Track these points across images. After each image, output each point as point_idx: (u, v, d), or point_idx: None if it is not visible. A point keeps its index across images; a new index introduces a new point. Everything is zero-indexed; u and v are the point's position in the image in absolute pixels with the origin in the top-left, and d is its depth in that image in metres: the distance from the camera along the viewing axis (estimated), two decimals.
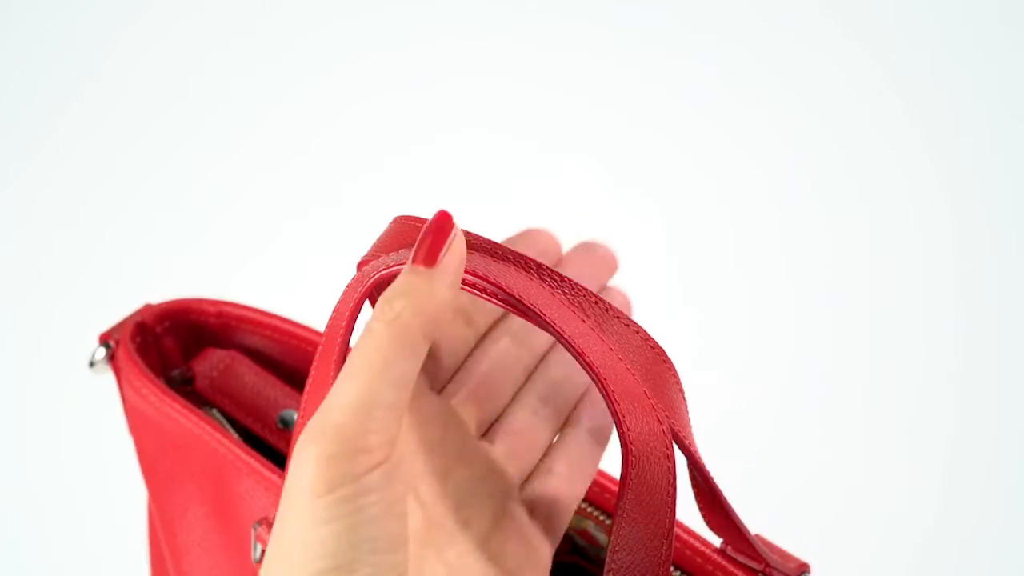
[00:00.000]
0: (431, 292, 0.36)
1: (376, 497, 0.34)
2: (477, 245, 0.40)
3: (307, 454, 0.34)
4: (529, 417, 0.45)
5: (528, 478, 0.45)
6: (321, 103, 1.16)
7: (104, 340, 0.56)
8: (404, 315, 0.35)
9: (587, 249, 0.52)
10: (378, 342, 0.35)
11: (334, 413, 0.35)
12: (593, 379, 0.37)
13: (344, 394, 0.35)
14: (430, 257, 0.36)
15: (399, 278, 0.37)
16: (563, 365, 0.47)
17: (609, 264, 0.52)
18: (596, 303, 0.40)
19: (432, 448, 0.43)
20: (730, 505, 0.42)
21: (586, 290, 0.40)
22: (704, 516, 0.45)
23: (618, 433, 0.37)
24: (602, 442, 0.46)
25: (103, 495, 0.88)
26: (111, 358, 0.56)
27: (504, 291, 0.38)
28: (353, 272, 0.42)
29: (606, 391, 0.37)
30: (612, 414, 0.37)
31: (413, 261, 0.36)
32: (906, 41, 1.16)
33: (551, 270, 0.40)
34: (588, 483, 0.45)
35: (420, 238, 0.37)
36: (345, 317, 0.41)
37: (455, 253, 0.37)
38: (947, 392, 0.93)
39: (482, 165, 1.05)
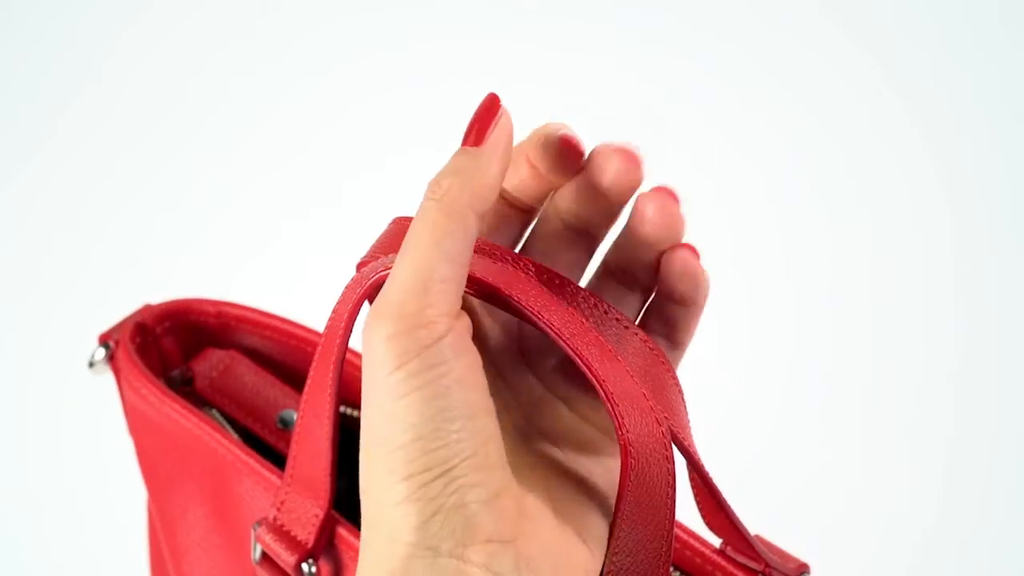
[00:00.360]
0: (478, 169, 0.37)
1: (445, 368, 0.36)
2: (476, 247, 0.40)
3: (372, 336, 0.36)
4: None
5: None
6: (321, 103, 1.16)
7: (104, 340, 0.56)
8: (452, 191, 0.37)
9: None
10: (429, 220, 0.37)
11: (392, 292, 0.36)
12: (592, 380, 0.37)
13: (400, 273, 0.36)
14: (478, 137, 0.37)
15: (450, 159, 0.38)
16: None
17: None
18: (596, 305, 0.40)
19: (503, 321, 0.44)
20: (729, 506, 0.42)
21: (585, 291, 0.40)
22: (704, 516, 0.45)
23: (617, 435, 0.37)
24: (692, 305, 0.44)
25: (103, 495, 0.88)
26: (111, 358, 0.56)
27: (503, 293, 0.38)
28: (353, 272, 0.42)
29: (605, 392, 0.37)
30: (611, 416, 0.37)
31: (463, 143, 0.37)
32: (906, 41, 1.15)
33: (550, 270, 0.40)
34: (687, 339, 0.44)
35: (469, 122, 0.38)
36: (344, 318, 0.41)
37: (502, 131, 0.37)
38: (947, 392, 0.93)
39: None
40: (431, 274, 0.36)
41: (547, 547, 0.37)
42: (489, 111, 0.38)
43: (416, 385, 0.36)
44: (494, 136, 0.37)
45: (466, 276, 0.37)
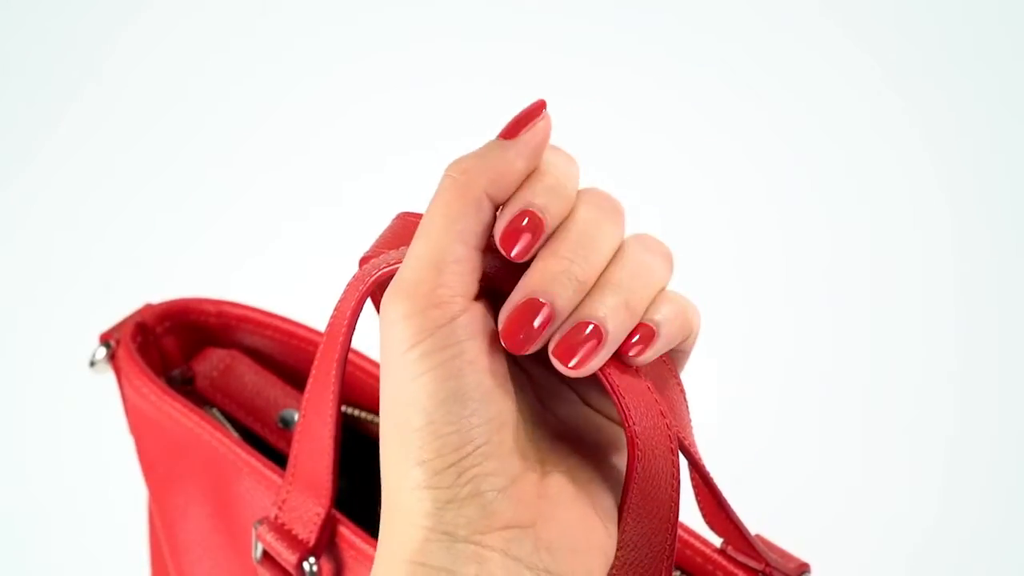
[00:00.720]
0: (503, 159, 0.37)
1: (458, 349, 0.36)
2: (490, 245, 0.39)
3: (388, 315, 0.37)
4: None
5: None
6: (321, 103, 1.16)
7: (105, 340, 0.56)
8: (471, 172, 0.37)
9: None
10: (445, 199, 0.37)
11: (406, 272, 0.37)
12: (598, 372, 0.37)
13: (414, 253, 0.37)
14: (512, 132, 0.38)
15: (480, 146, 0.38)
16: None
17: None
18: None
19: None
20: (730, 505, 0.42)
21: None
22: (704, 516, 0.45)
23: (624, 427, 0.37)
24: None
25: (103, 495, 0.88)
26: (111, 358, 0.56)
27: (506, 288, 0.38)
28: (354, 270, 0.42)
29: (611, 384, 0.37)
30: (618, 408, 0.37)
31: (499, 136, 0.38)
32: (906, 41, 1.16)
33: None
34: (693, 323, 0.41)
35: (511, 119, 0.38)
36: (347, 316, 0.41)
37: (537, 131, 0.38)
38: (947, 392, 0.93)
39: None
40: (444, 255, 0.37)
41: (566, 528, 0.38)
42: (532, 113, 0.38)
43: (430, 365, 0.36)
44: (529, 134, 0.38)
45: (481, 260, 0.37)
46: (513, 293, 0.37)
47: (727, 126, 1.12)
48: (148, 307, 0.58)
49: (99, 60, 1.20)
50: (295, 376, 0.56)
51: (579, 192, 0.39)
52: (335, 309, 0.42)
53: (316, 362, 0.44)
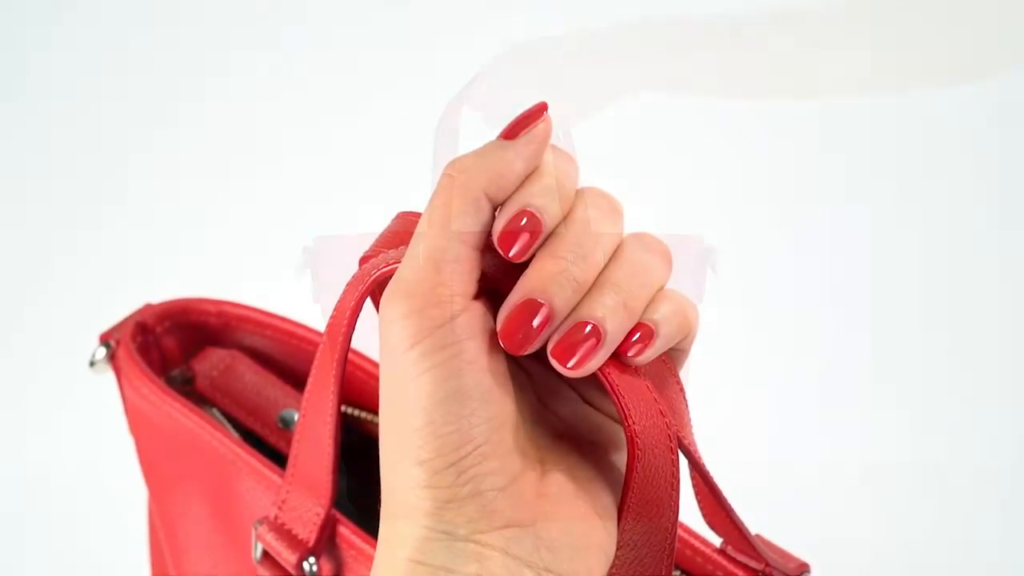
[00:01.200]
0: (502, 159, 0.38)
1: (458, 348, 0.36)
2: (489, 244, 0.39)
3: (387, 315, 0.37)
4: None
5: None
6: (321, 103, 1.16)
7: (104, 340, 0.56)
8: (471, 171, 0.37)
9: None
10: (444, 199, 0.37)
11: (404, 270, 0.37)
12: (597, 372, 0.37)
13: (413, 252, 0.37)
14: (512, 133, 0.38)
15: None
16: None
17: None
18: None
19: None
20: (730, 505, 0.42)
21: None
22: (704, 516, 0.45)
23: (624, 426, 0.37)
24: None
25: (103, 495, 0.87)
26: (111, 358, 0.56)
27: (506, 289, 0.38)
28: (355, 269, 0.42)
29: (610, 384, 0.37)
30: (618, 407, 0.37)
31: (499, 136, 0.38)
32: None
33: None
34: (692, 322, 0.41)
35: (511, 121, 0.38)
36: (346, 315, 0.41)
37: (537, 133, 0.38)
38: (947, 392, 0.93)
39: None
40: (443, 254, 0.37)
41: (566, 527, 0.38)
42: (532, 116, 0.38)
43: (429, 364, 0.36)
44: (528, 135, 0.38)
45: (480, 259, 0.37)
46: (511, 293, 0.37)
47: (726, 125, 1.11)
48: (148, 307, 0.58)
49: (99, 60, 1.20)
50: (295, 376, 0.57)
51: (578, 192, 0.39)
52: (335, 309, 0.42)
53: (316, 361, 0.44)
